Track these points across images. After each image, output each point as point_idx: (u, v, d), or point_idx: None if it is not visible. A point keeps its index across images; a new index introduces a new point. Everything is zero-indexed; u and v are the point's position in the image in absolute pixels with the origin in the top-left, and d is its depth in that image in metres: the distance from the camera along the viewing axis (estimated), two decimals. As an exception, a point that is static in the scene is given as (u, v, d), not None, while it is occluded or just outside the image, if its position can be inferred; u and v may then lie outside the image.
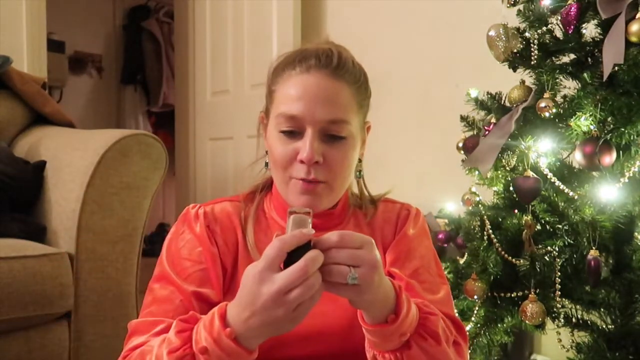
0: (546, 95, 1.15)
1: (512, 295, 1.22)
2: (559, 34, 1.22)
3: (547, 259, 1.14)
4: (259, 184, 0.94)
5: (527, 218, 1.17)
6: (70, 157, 1.57)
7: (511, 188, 1.24)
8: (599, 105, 1.05)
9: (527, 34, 1.27)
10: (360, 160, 0.89)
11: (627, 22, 1.03)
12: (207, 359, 0.64)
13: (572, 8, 1.13)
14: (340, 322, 0.83)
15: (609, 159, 1.05)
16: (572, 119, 1.09)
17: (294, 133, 0.81)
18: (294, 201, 0.82)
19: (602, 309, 1.11)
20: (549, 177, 1.15)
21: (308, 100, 0.80)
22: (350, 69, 0.84)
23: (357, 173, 0.90)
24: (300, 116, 0.80)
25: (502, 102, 1.32)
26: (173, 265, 0.82)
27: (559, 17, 1.17)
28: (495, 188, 1.33)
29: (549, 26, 1.24)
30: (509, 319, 1.22)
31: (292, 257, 0.60)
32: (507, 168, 1.27)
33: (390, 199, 0.96)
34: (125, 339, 0.78)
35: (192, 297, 0.79)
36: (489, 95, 1.36)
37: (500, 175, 1.29)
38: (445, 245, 1.49)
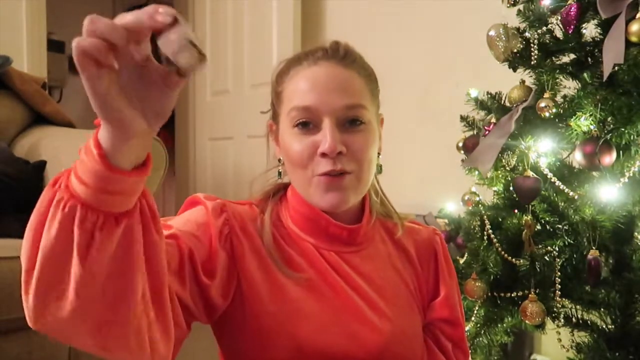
0: (546, 95, 1.15)
1: (512, 295, 1.22)
2: (559, 34, 1.22)
3: (547, 259, 1.14)
4: (269, 190, 0.86)
5: (527, 218, 1.17)
6: (70, 157, 1.57)
7: (511, 188, 1.24)
8: (599, 105, 1.05)
9: (527, 34, 1.27)
10: (379, 155, 0.84)
11: (627, 22, 1.03)
12: (76, 177, 0.50)
13: (572, 8, 1.13)
14: (371, 347, 0.77)
15: (609, 159, 1.05)
16: (572, 119, 1.09)
17: (309, 126, 0.76)
18: (318, 201, 0.77)
19: (602, 309, 1.11)
20: (549, 177, 1.15)
21: (320, 90, 0.76)
22: (358, 60, 0.81)
23: (378, 168, 0.85)
24: (315, 107, 0.75)
25: (502, 102, 1.32)
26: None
27: (559, 17, 1.17)
28: (495, 188, 1.33)
29: (549, 26, 1.24)
30: (509, 319, 1.22)
31: None
32: (507, 168, 1.27)
33: (412, 219, 0.93)
34: None
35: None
36: (489, 95, 1.36)
37: (500, 175, 1.29)
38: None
